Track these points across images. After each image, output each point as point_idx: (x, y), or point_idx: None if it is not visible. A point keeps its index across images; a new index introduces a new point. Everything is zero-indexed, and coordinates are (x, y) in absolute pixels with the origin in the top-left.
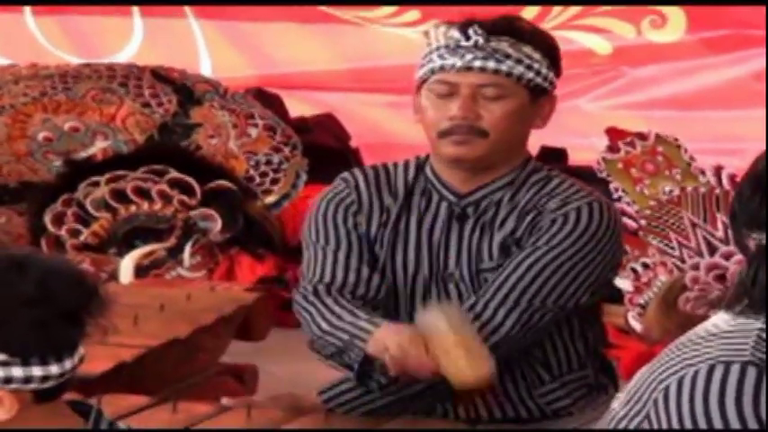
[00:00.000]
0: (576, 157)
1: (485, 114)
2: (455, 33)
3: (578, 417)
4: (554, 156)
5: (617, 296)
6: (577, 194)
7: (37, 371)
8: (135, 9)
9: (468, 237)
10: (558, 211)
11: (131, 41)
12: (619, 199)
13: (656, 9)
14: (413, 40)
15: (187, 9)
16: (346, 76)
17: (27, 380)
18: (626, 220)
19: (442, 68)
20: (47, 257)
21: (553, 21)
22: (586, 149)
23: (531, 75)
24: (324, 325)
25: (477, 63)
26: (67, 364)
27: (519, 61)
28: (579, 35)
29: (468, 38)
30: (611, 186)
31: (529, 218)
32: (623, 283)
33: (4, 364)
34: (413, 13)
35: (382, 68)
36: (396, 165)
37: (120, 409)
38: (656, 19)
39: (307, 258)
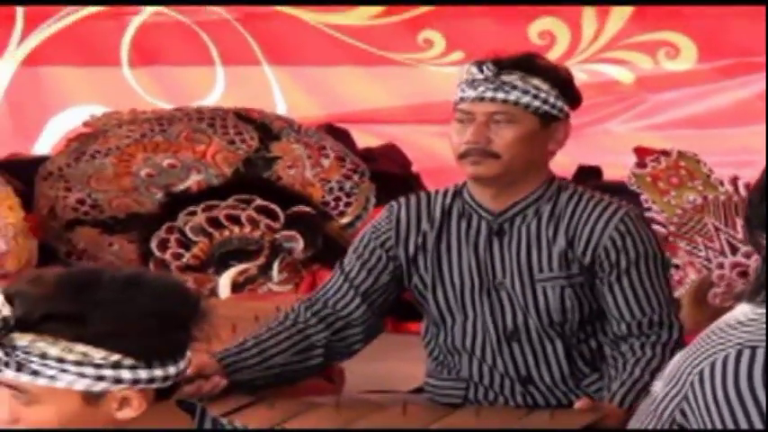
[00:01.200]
0: (610, 174)
1: (496, 138)
2: (473, 69)
3: None
4: (590, 173)
5: None
6: (610, 207)
7: (158, 372)
8: (216, 59)
9: (514, 250)
10: (607, 232)
11: (215, 88)
12: (649, 209)
13: (669, 41)
14: (455, 75)
15: (261, 56)
16: (403, 111)
17: (150, 380)
18: (656, 227)
19: (462, 99)
20: (157, 275)
21: (581, 55)
22: (618, 167)
23: (537, 103)
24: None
25: (489, 94)
26: (181, 365)
27: (526, 92)
28: (605, 67)
29: (481, 72)
30: (642, 198)
31: (584, 237)
32: None
33: (132, 367)
34: (457, 54)
35: (433, 102)
36: (437, 191)
37: (223, 407)
38: (669, 50)
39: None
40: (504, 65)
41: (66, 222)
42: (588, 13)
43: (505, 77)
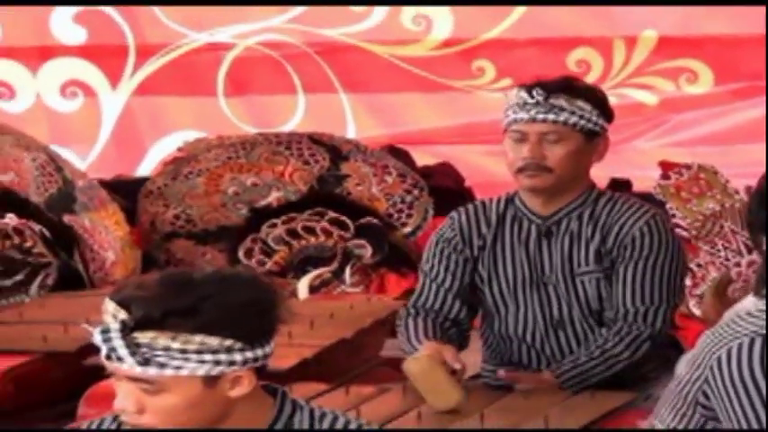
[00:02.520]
0: (638, 186)
1: (548, 154)
2: (522, 94)
3: (657, 381)
4: (621, 185)
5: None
6: (641, 209)
7: (260, 352)
8: (299, 88)
9: (559, 248)
10: (635, 226)
11: (296, 113)
12: (673, 216)
13: (689, 68)
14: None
15: (337, 85)
16: (457, 132)
17: (255, 359)
18: (681, 231)
19: (515, 121)
20: (238, 270)
21: (612, 81)
22: (645, 179)
23: (583, 122)
24: (403, 339)
25: (540, 116)
26: (272, 345)
27: (573, 113)
28: (633, 91)
29: (532, 97)
30: (667, 206)
31: (613, 232)
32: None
33: (241, 350)
34: (506, 81)
35: (484, 124)
36: (491, 200)
37: (304, 393)
38: (689, 76)
39: (419, 282)
40: (551, 89)
41: (164, 235)
42: (618, 44)
43: (553, 101)
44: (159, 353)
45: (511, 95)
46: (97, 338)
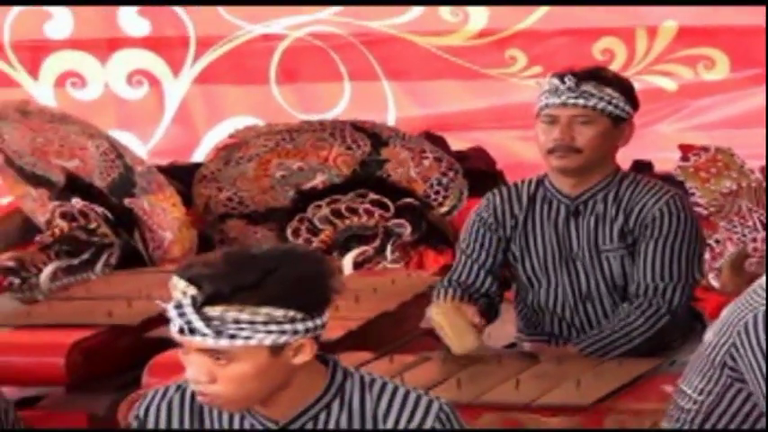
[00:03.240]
0: (659, 167)
1: (578, 137)
2: (554, 81)
3: (681, 349)
4: (644, 167)
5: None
6: (662, 190)
7: (319, 321)
8: (345, 76)
9: (586, 227)
10: (655, 206)
11: (342, 100)
12: (693, 195)
13: (706, 55)
14: (534, 86)
15: (380, 73)
16: (491, 116)
17: (315, 328)
18: (700, 209)
19: (546, 105)
20: (293, 246)
21: (635, 68)
22: (666, 161)
23: (610, 108)
24: None
25: (571, 101)
26: (327, 314)
27: (601, 99)
28: (654, 78)
29: (563, 83)
30: (686, 186)
31: (635, 212)
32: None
33: (303, 319)
34: (536, 68)
35: (516, 108)
36: (523, 181)
37: (351, 362)
38: (707, 63)
39: (456, 259)
40: (581, 76)
41: (218, 216)
42: (641, 34)
43: (584, 87)
44: (230, 325)
45: (544, 82)
46: (172, 314)
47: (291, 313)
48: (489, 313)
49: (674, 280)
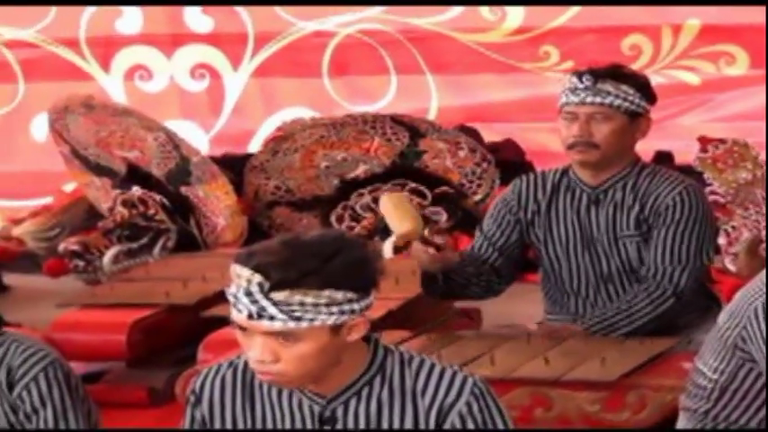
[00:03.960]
0: (680, 158)
1: (596, 133)
2: (574, 79)
3: (697, 329)
4: (665, 157)
5: (716, 249)
6: (677, 180)
7: (369, 301)
8: (391, 70)
9: (605, 214)
10: (669, 195)
11: (389, 92)
12: (711, 184)
13: (728, 52)
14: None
15: (424, 67)
16: (526, 107)
17: (367, 307)
18: (717, 197)
19: (567, 103)
20: (341, 232)
21: (660, 63)
22: (686, 152)
23: (626, 104)
24: None
25: (589, 99)
26: (375, 294)
27: (617, 96)
28: (678, 73)
29: (582, 82)
30: (705, 176)
31: (650, 201)
32: (719, 239)
33: (358, 300)
34: (569, 63)
35: (549, 102)
36: (549, 170)
37: (392, 340)
38: (728, 59)
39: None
40: (599, 75)
41: (266, 203)
42: (666, 31)
43: (600, 85)
44: (295, 308)
45: (565, 81)
46: (243, 300)
47: (349, 294)
48: (489, 285)
49: (681, 263)
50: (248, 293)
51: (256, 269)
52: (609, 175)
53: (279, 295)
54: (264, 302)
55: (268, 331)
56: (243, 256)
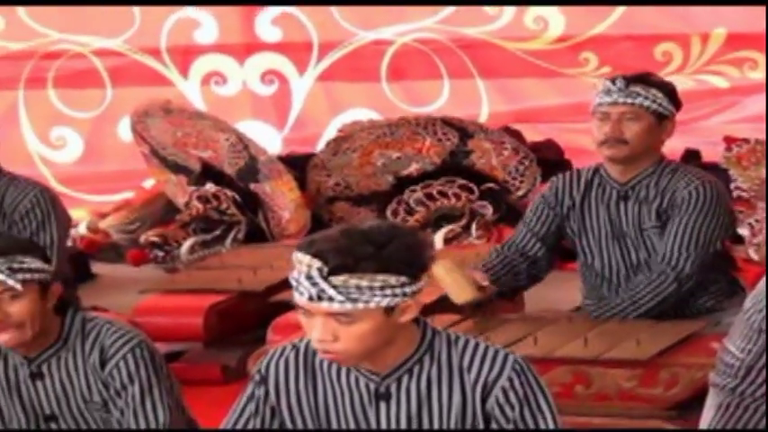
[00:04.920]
0: (707, 156)
1: (626, 131)
2: (607, 83)
3: (723, 312)
4: (693, 155)
5: (741, 240)
6: (695, 176)
7: (420, 284)
8: (444, 74)
9: (632, 209)
10: (686, 189)
11: (442, 95)
12: (735, 180)
13: (751, 58)
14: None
15: (474, 72)
16: (567, 110)
17: (419, 291)
18: (742, 193)
19: (600, 104)
20: (391, 222)
21: (690, 68)
22: (713, 150)
23: (655, 106)
24: None
25: (621, 99)
26: (425, 279)
27: (647, 98)
28: (707, 77)
29: (614, 85)
30: (730, 173)
31: (669, 194)
32: (744, 231)
33: (410, 283)
34: (606, 68)
35: (586, 106)
36: (583, 168)
37: (442, 323)
38: (752, 64)
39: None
40: (630, 79)
41: (327, 198)
42: (695, 39)
43: (632, 88)
44: (352, 291)
45: (599, 85)
46: (304, 284)
47: (402, 278)
48: (531, 277)
49: (687, 251)
50: (309, 277)
51: (316, 255)
52: (636, 173)
53: (337, 279)
54: (324, 285)
55: (327, 312)
56: (304, 243)
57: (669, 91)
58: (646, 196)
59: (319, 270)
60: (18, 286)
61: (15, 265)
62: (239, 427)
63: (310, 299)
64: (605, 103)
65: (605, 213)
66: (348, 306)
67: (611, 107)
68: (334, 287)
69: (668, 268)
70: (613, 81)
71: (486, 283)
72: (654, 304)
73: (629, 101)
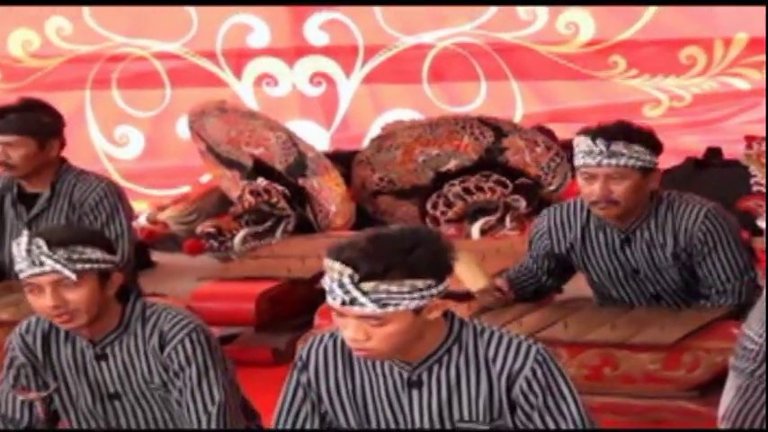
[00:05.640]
0: (728, 154)
1: (614, 190)
2: (588, 142)
3: None
4: (714, 152)
5: (759, 232)
6: (696, 209)
7: (445, 284)
8: (481, 76)
9: (640, 251)
10: (697, 229)
11: (479, 96)
12: (755, 176)
13: None
14: (632, 85)
15: (509, 74)
16: (597, 110)
17: (445, 289)
18: (761, 188)
19: (585, 165)
20: (414, 225)
21: (713, 71)
22: (734, 148)
23: (639, 163)
24: None
25: (605, 161)
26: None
27: (630, 157)
28: (729, 79)
29: (596, 145)
30: (750, 169)
31: (681, 236)
32: (762, 224)
33: (436, 285)
34: (634, 71)
35: (613, 105)
36: (572, 206)
37: (477, 309)
38: None
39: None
40: (611, 137)
41: (371, 192)
42: (718, 43)
43: (614, 148)
44: (383, 296)
45: (579, 141)
46: (337, 290)
47: (429, 281)
48: (529, 293)
49: (738, 279)
50: (341, 285)
51: (347, 262)
52: (632, 219)
53: (367, 285)
54: (355, 292)
55: (359, 315)
56: (334, 250)
57: (650, 141)
58: (651, 239)
59: (351, 277)
60: (72, 276)
61: (75, 256)
62: (293, 414)
63: (343, 303)
64: (590, 165)
65: (612, 256)
66: (378, 311)
67: (595, 169)
68: (365, 293)
69: (731, 299)
70: (594, 140)
71: (505, 288)
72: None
73: (614, 162)
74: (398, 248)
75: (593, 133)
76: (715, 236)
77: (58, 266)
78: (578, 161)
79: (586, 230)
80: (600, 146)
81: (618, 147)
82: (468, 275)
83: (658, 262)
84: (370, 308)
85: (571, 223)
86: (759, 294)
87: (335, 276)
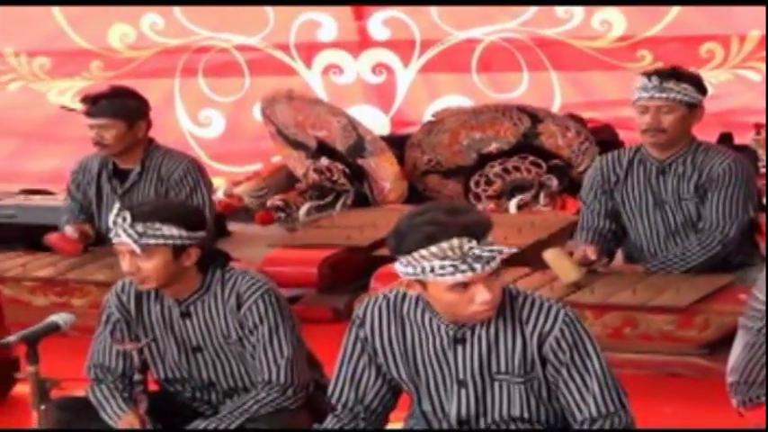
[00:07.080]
0: (739, 139)
1: (663, 121)
2: (644, 80)
3: (750, 268)
4: (726, 137)
5: (764, 208)
6: (726, 154)
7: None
8: (524, 67)
9: (671, 182)
10: (720, 166)
11: (522, 85)
12: (762, 160)
13: None
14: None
15: (548, 65)
16: (623, 101)
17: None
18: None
19: (639, 98)
20: (446, 202)
21: (730, 63)
22: (744, 135)
23: (686, 98)
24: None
25: (656, 95)
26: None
27: (679, 92)
28: (744, 71)
29: (650, 82)
30: (758, 153)
31: (706, 171)
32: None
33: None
34: (659, 64)
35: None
36: (624, 148)
37: (516, 275)
38: None
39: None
40: (663, 75)
41: (421, 172)
42: (734, 40)
43: (665, 84)
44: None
45: (637, 79)
46: (461, 265)
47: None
48: (611, 247)
49: (731, 218)
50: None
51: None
52: (673, 152)
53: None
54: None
55: (488, 275)
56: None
57: (697, 82)
58: (683, 172)
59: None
60: (138, 250)
61: (149, 231)
62: (353, 364)
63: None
64: (644, 98)
65: (647, 185)
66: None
67: (648, 101)
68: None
69: (716, 232)
70: (649, 78)
71: (594, 257)
72: (701, 261)
73: (664, 96)
74: (443, 220)
75: (649, 73)
76: (732, 178)
77: (130, 240)
78: (635, 95)
79: (630, 166)
80: (654, 82)
81: (668, 83)
82: (560, 270)
83: (683, 193)
84: (491, 267)
85: (621, 160)
86: (762, 261)
87: (460, 252)
